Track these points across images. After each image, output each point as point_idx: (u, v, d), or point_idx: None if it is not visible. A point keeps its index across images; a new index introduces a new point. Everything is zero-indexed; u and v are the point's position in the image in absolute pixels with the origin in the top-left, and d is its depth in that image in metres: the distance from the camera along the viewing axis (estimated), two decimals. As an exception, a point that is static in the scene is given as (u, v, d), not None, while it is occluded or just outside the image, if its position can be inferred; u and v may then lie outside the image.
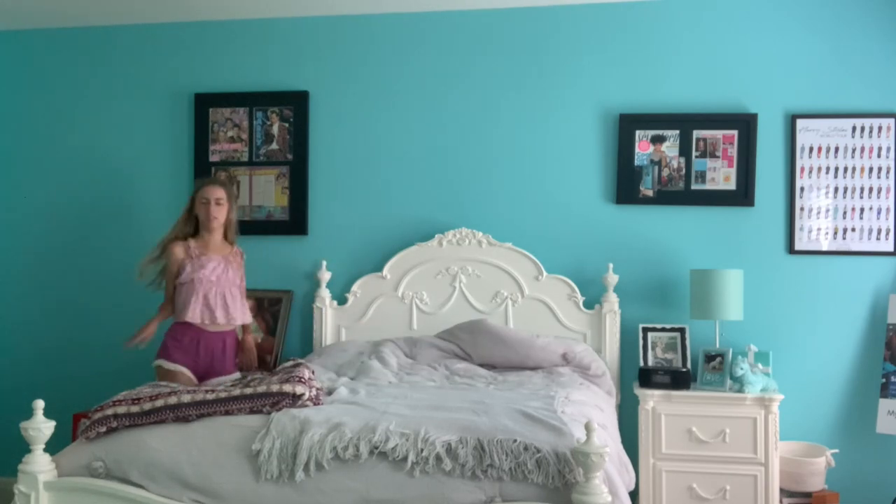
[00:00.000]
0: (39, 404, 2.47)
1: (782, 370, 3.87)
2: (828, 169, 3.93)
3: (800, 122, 3.93)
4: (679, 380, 3.62)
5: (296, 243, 4.31)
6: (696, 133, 4.01)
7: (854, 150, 3.90)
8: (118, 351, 4.40)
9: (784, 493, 3.62)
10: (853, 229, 3.90)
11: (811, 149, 3.93)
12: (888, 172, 3.89)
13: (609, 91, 4.09)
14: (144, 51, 4.47)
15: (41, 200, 4.53)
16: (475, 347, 3.68)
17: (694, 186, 4.01)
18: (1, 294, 4.56)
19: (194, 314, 3.42)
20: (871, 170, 3.90)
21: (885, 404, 3.71)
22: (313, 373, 2.76)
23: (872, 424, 3.77)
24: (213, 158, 4.38)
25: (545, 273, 3.99)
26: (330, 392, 2.82)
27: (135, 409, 2.48)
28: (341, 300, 4.18)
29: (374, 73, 4.28)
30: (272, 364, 4.09)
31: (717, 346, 3.76)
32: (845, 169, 3.92)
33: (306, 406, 2.52)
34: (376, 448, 2.25)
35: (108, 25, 4.48)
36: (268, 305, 4.26)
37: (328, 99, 4.31)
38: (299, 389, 2.53)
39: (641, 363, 3.81)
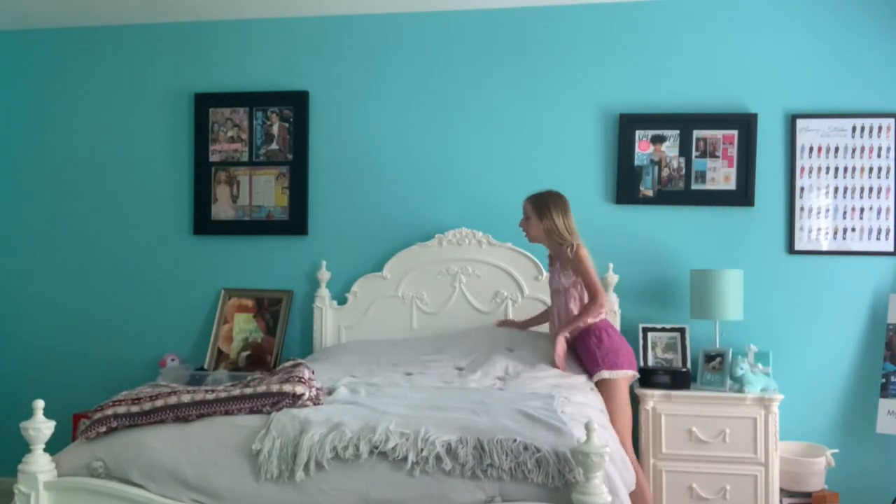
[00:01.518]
0: (39, 404, 2.47)
1: (782, 370, 3.87)
2: (828, 169, 3.93)
3: (800, 122, 3.93)
4: (679, 380, 3.62)
5: (296, 243, 4.31)
6: (696, 133, 4.01)
7: (854, 150, 3.90)
8: (118, 351, 4.42)
9: (784, 493, 3.62)
10: (853, 229, 3.90)
11: (811, 149, 3.93)
12: (888, 172, 3.89)
13: (609, 91, 4.09)
14: (144, 51, 4.47)
15: (41, 200, 4.53)
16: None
17: (694, 186, 4.01)
18: (1, 294, 4.56)
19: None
20: (871, 170, 3.90)
21: (885, 404, 3.71)
22: (313, 373, 2.76)
23: (872, 424, 3.77)
24: (213, 158, 4.38)
25: (545, 273, 3.99)
26: (330, 392, 2.82)
27: (135, 409, 2.47)
28: (341, 300, 4.17)
29: (374, 73, 4.28)
30: (272, 364, 4.09)
31: (717, 346, 3.76)
32: (845, 169, 3.92)
33: (306, 406, 2.52)
34: (376, 448, 2.25)
35: (108, 25, 4.48)
36: (268, 305, 4.26)
37: (328, 99, 4.31)
38: (299, 389, 2.53)
39: (641, 363, 3.81)
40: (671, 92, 4.04)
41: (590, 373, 3.36)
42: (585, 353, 3.41)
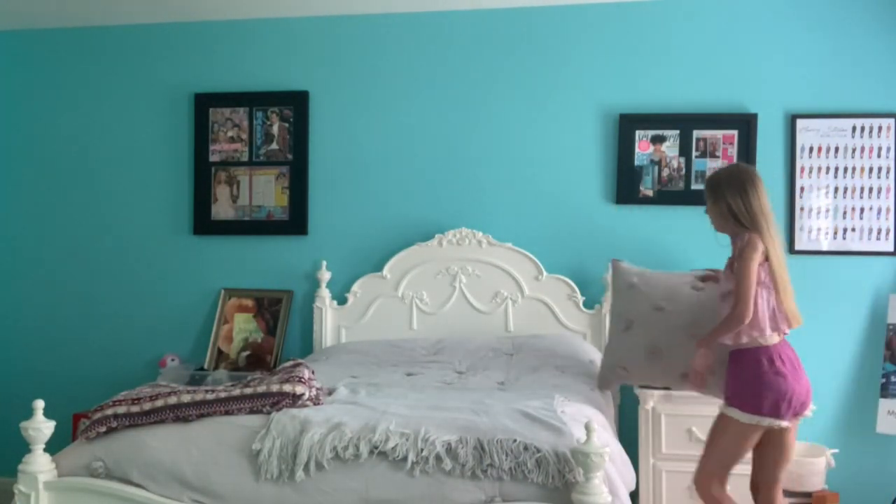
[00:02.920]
0: (39, 404, 2.47)
1: (782, 370, 3.86)
2: (828, 169, 3.93)
3: (800, 122, 3.93)
4: (679, 380, 3.61)
5: (296, 243, 4.30)
6: (696, 133, 4.01)
7: (854, 150, 3.90)
8: (118, 351, 4.42)
9: (784, 493, 3.61)
10: (853, 229, 3.90)
11: (811, 149, 3.93)
12: (888, 172, 3.89)
13: (609, 91, 4.09)
14: (144, 51, 4.47)
15: (40, 200, 4.53)
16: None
17: (694, 186, 4.01)
18: (1, 294, 4.56)
19: None
20: (871, 170, 3.90)
21: (885, 404, 3.71)
22: (313, 373, 2.76)
23: (872, 424, 3.77)
24: (213, 158, 4.38)
25: (545, 273, 3.99)
26: (330, 392, 2.82)
27: (135, 409, 2.48)
28: (341, 300, 4.17)
29: (374, 73, 4.28)
30: (272, 364, 4.09)
31: (717, 346, 3.75)
32: (845, 169, 3.92)
33: (306, 406, 2.52)
34: (376, 448, 2.25)
35: (108, 25, 4.48)
36: (268, 305, 4.26)
37: (328, 99, 4.31)
38: (299, 389, 2.53)
39: (641, 363, 3.81)
40: (671, 92, 4.04)
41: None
42: (728, 378, 2.86)
